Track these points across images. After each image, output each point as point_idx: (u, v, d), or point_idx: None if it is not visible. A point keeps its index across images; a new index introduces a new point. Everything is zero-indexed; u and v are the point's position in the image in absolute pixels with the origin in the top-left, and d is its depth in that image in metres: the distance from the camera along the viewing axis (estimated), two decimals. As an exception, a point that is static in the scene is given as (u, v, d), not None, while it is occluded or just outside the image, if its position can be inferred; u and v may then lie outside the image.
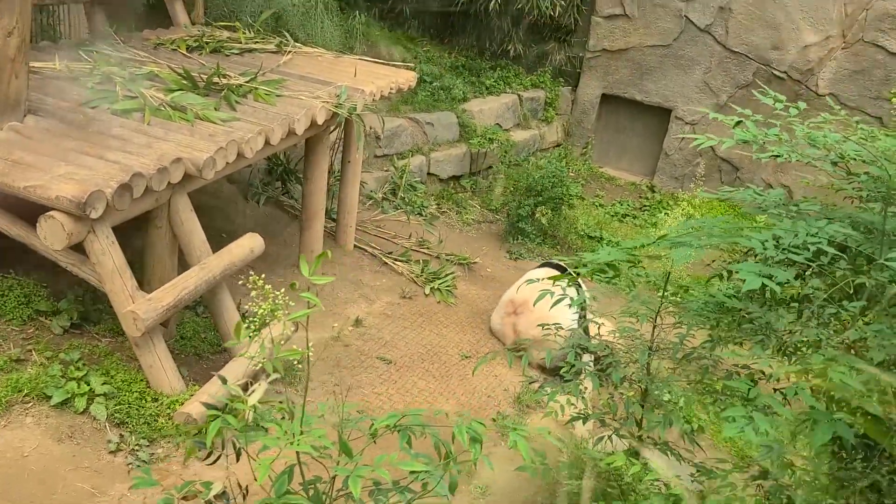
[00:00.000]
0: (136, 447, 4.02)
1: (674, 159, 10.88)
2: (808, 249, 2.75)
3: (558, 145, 11.32)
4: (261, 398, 1.96)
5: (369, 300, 6.74)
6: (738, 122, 2.99)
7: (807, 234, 2.81)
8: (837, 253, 2.80)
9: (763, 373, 3.42)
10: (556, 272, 6.58)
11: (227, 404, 2.00)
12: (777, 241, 2.75)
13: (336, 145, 7.57)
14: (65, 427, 4.03)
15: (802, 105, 3.08)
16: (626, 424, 4.03)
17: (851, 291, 3.14)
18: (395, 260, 7.51)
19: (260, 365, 1.98)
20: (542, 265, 7.47)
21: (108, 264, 4.21)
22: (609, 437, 4.11)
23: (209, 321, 5.29)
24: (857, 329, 2.86)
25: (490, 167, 10.03)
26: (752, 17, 9.97)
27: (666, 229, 8.64)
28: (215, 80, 5.54)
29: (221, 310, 4.89)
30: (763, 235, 2.76)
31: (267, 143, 5.18)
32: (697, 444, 4.01)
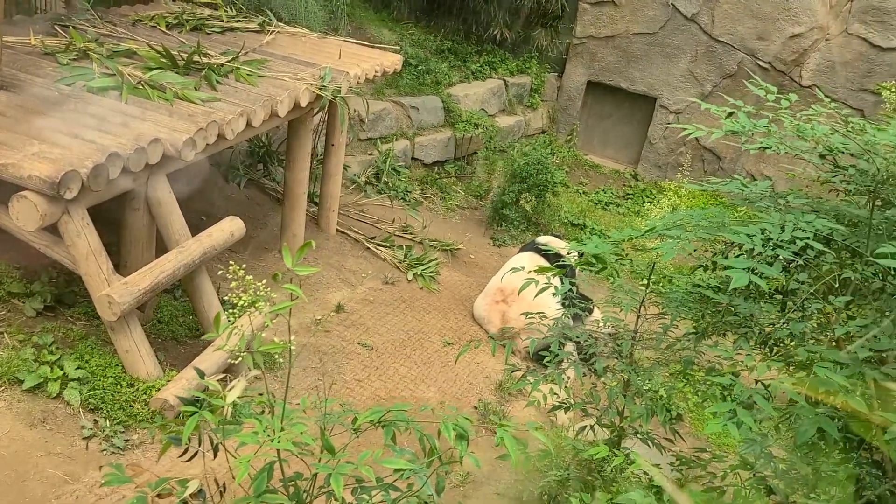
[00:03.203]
0: (111, 433, 3.94)
1: (658, 148, 10.88)
2: (796, 244, 2.72)
3: (543, 132, 11.27)
4: (241, 394, 1.89)
5: (351, 285, 6.67)
6: (731, 114, 2.95)
7: (794, 229, 2.78)
8: (823, 248, 2.78)
9: (746, 365, 3.41)
10: (541, 258, 6.56)
11: (202, 398, 1.93)
12: (765, 235, 2.72)
13: (319, 128, 7.45)
14: (37, 412, 3.94)
15: (794, 97, 3.05)
16: (609, 414, 4.02)
17: (836, 285, 3.13)
18: (378, 245, 7.44)
19: (239, 358, 1.92)
20: (525, 248, 7.44)
21: (83, 246, 4.10)
22: (591, 427, 4.10)
23: (187, 305, 5.19)
24: (841, 324, 2.85)
25: (475, 153, 9.96)
26: (737, 6, 9.94)
27: (652, 220, 8.64)
28: (196, 58, 5.41)
29: (200, 294, 4.80)
30: (751, 230, 2.73)
31: (248, 124, 5.07)
32: (679, 435, 4.01)
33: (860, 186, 3.22)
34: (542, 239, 7.60)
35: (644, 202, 10.23)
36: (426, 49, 10.25)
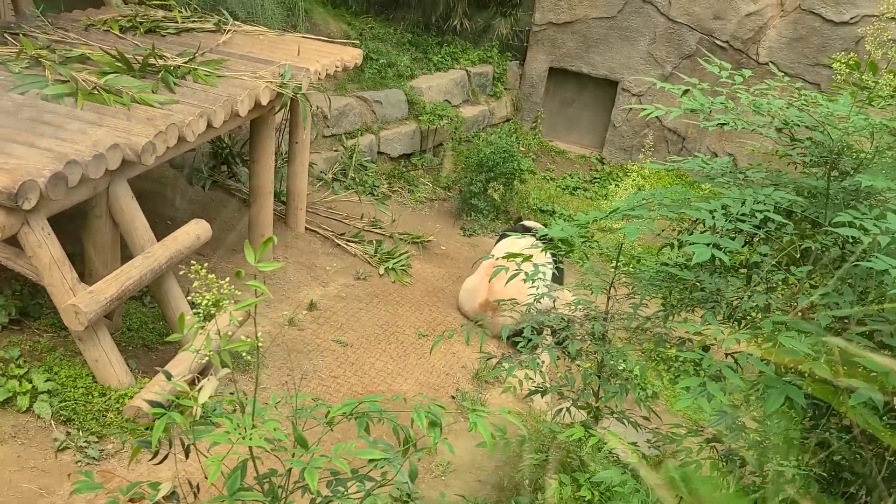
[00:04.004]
0: (85, 444, 3.89)
1: (622, 131, 10.97)
2: (756, 217, 2.77)
3: (508, 120, 11.30)
4: (211, 394, 1.88)
5: (323, 283, 6.64)
6: (686, 91, 2.98)
7: (754, 202, 2.83)
8: (783, 220, 2.83)
9: (715, 340, 3.46)
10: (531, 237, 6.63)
11: (173, 400, 1.92)
12: (725, 211, 2.77)
13: (282, 126, 7.39)
14: (7, 427, 3.87)
15: (748, 73, 3.09)
16: (584, 396, 4.06)
17: (798, 256, 3.20)
18: (348, 241, 7.42)
19: (207, 358, 1.90)
20: (509, 232, 7.47)
21: (45, 257, 4.03)
22: (567, 409, 4.14)
23: (157, 311, 5.13)
24: (805, 293, 2.91)
25: (440, 144, 9.96)
26: (694, -13, 10.04)
27: (617, 201, 8.73)
28: (151, 61, 5.32)
29: (169, 299, 4.74)
30: (712, 205, 2.77)
31: (209, 125, 5.01)
32: (653, 412, 4.07)
33: (817, 158, 3.29)
34: (528, 223, 7.73)
35: (611, 185, 10.31)
36: (387, 42, 10.21)
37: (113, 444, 3.96)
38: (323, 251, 7.19)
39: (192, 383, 1.99)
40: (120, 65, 5.23)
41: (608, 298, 3.95)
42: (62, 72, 4.98)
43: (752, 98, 3.14)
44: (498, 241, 7.66)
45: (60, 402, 4.04)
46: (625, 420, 3.97)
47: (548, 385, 4.18)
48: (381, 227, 7.94)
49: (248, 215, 6.64)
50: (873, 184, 2.71)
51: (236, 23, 6.93)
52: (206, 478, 1.73)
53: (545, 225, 7.55)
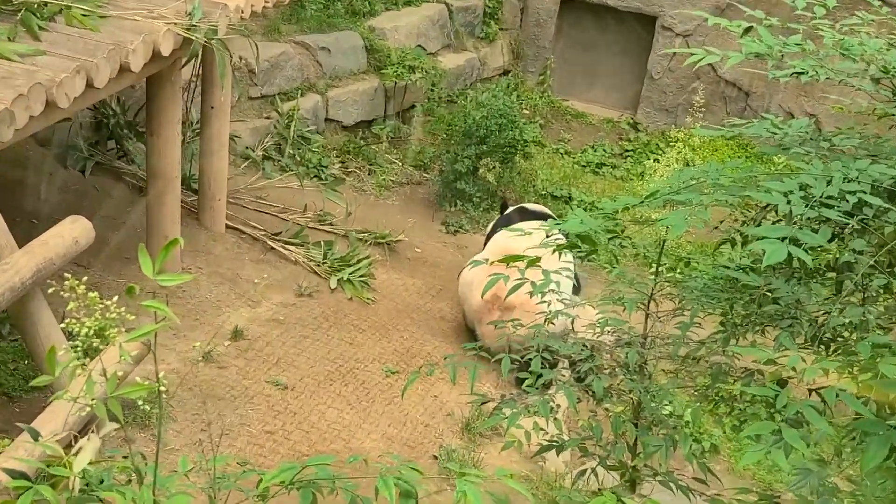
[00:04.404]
0: (-79, 534, 3.86)
1: (662, 84, 11.05)
2: (847, 201, 2.80)
3: (506, 72, 11.35)
4: (94, 458, 1.87)
5: (252, 302, 6.65)
6: (749, 29, 3.01)
7: (844, 180, 2.86)
8: (885, 204, 2.87)
9: (795, 370, 3.48)
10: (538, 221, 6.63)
11: (43, 469, 1.91)
12: (805, 192, 2.80)
13: (191, 85, 7.38)
14: None
15: (833, 1, 3.13)
16: (615, 452, 4.08)
17: (905, 253, 3.24)
18: (286, 243, 7.42)
19: (90, 409, 1.90)
20: (501, 223, 7.49)
21: None
22: (593, 470, 4.16)
23: (19, 345, 5.11)
24: (914, 304, 2.95)
25: (412, 107, 9.98)
26: None
27: (657, 182, 8.78)
28: (7, -3, 5.31)
29: (36, 328, 4.72)
30: (786, 185, 2.80)
31: (89, 85, 5.01)
32: (711, 472, 4.10)
33: (929, 118, 3.33)
34: (531, 206, 7.79)
35: (648, 160, 10.38)
36: (335, -34, 10.24)
37: (-41, 533, 3.93)
38: (251, 258, 7.19)
39: (69, 445, 1.98)
40: (-38, 2, 5.21)
41: (646, 316, 3.98)
42: None
43: (839, 37, 3.18)
44: (489, 234, 7.69)
45: None
46: (672, 484, 4.00)
47: (565, 438, 4.21)
48: (332, 223, 7.96)
49: (144, 209, 6.62)
50: None
51: (125, -58, 6.92)
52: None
53: (560, 215, 7.61)
